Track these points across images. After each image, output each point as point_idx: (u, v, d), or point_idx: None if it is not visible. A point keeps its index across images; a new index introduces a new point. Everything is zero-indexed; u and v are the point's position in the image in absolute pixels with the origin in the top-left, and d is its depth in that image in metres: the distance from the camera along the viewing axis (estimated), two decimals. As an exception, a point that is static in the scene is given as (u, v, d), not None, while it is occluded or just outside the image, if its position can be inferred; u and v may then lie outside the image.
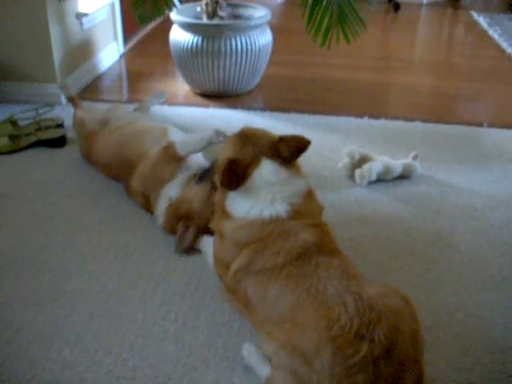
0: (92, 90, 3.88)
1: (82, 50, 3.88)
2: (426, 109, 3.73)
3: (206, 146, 2.33)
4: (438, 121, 3.47)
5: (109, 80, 4.14)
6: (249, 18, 3.73)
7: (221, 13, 3.66)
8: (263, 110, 3.59)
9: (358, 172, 2.70)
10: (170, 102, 3.63)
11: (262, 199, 1.76)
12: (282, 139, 1.83)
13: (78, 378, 1.65)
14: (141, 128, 2.65)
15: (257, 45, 3.59)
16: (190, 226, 2.19)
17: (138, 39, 5.16)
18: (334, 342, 1.38)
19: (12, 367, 1.68)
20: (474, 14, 6.37)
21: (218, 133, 2.29)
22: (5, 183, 2.67)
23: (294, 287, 1.58)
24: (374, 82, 4.23)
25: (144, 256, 2.19)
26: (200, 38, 3.50)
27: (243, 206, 1.78)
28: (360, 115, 3.51)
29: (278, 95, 3.89)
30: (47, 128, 3.04)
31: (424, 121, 3.46)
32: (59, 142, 3.01)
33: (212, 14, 3.65)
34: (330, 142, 3.14)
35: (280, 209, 1.75)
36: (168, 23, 3.83)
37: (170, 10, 3.50)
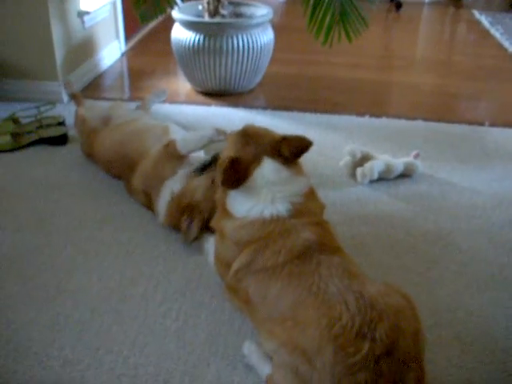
0: (93, 88, 3.88)
1: (84, 49, 3.88)
2: (428, 107, 3.73)
3: (207, 145, 2.34)
4: (439, 120, 3.47)
5: (110, 78, 4.15)
6: (250, 17, 3.73)
7: (222, 11, 3.66)
8: (265, 108, 3.59)
9: (359, 170, 2.70)
10: (172, 101, 3.63)
11: (262, 199, 1.76)
12: (284, 139, 1.83)
13: (79, 375, 1.65)
14: (142, 126, 2.65)
15: (258, 43, 3.59)
16: (194, 218, 2.19)
17: (139, 37, 5.17)
18: (336, 341, 1.38)
19: (14, 365, 1.68)
20: (476, 13, 6.37)
21: (218, 131, 2.30)
22: (6, 181, 2.67)
23: (295, 286, 1.58)
24: (375, 81, 4.23)
25: (145, 254, 2.19)
26: (202, 37, 3.50)
27: (244, 206, 1.78)
28: (362, 114, 3.51)
29: (280, 94, 3.89)
30: (49, 126, 3.05)
31: (426, 120, 3.46)
32: (61, 140, 3.01)
33: (214, 13, 3.65)
34: (332, 140, 3.14)
35: (281, 208, 1.75)
36: (170, 21, 3.83)
37: (172, 8, 3.51)
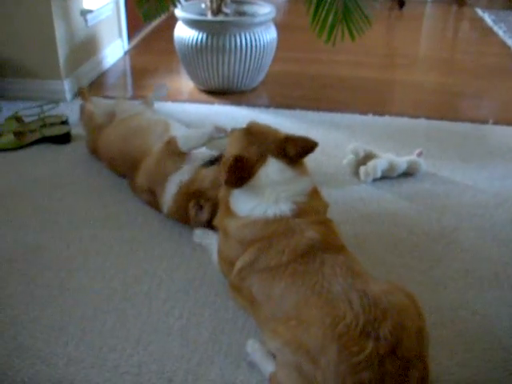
0: (96, 86, 3.89)
1: (87, 47, 3.88)
2: (431, 106, 3.73)
3: (207, 142, 2.35)
4: (442, 118, 3.47)
5: (113, 77, 4.15)
6: (253, 15, 3.73)
7: (225, 9, 3.66)
8: (268, 106, 3.59)
9: (362, 169, 2.70)
10: (175, 99, 3.63)
11: (266, 198, 1.76)
12: (289, 138, 1.82)
13: (82, 373, 1.66)
14: (144, 123, 2.65)
15: (261, 42, 3.59)
16: (203, 203, 2.19)
17: (142, 36, 5.17)
18: (340, 340, 1.38)
19: (17, 363, 1.69)
20: (479, 11, 6.36)
21: (218, 129, 2.30)
22: (10, 179, 2.68)
23: (299, 285, 1.58)
24: (378, 79, 4.23)
25: (149, 252, 2.19)
26: (204, 35, 3.50)
27: (247, 205, 1.78)
28: (364, 112, 3.51)
29: (283, 92, 3.89)
30: (52, 125, 3.05)
31: (428, 118, 3.45)
32: (64, 139, 3.02)
33: (217, 11, 3.65)
34: (335, 138, 3.14)
35: (284, 208, 1.75)
36: (172, 20, 3.83)
37: (175, 6, 3.51)
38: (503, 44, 5.18)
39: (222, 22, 3.51)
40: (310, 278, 1.58)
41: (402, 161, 2.73)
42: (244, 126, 1.93)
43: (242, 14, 3.85)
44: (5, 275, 2.05)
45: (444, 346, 1.77)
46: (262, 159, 1.79)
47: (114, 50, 4.41)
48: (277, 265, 1.65)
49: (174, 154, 2.34)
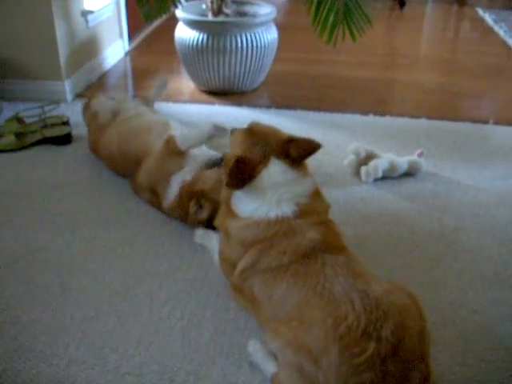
0: (97, 87, 3.89)
1: (88, 48, 3.88)
2: (432, 106, 3.73)
3: (206, 141, 2.35)
4: (443, 118, 3.47)
5: (114, 77, 4.15)
6: (254, 16, 3.73)
7: (226, 10, 3.66)
8: (269, 107, 3.59)
9: (363, 169, 2.70)
10: (176, 100, 3.64)
11: (268, 200, 1.75)
12: (293, 140, 1.81)
13: (84, 374, 1.66)
14: (145, 123, 2.65)
15: (262, 42, 3.59)
16: (204, 204, 2.19)
17: (143, 37, 5.17)
18: (341, 341, 1.38)
19: (19, 363, 1.69)
20: (480, 11, 6.36)
21: (217, 127, 2.30)
22: (10, 180, 2.68)
23: (300, 286, 1.58)
24: (379, 79, 4.23)
25: (150, 253, 2.19)
26: (205, 36, 3.50)
27: (249, 206, 1.77)
28: (365, 112, 3.51)
29: (284, 92, 3.89)
30: (53, 125, 3.05)
31: (429, 118, 3.46)
32: (65, 140, 3.02)
33: (217, 12, 3.65)
34: (336, 139, 3.14)
35: (286, 209, 1.74)
36: (173, 21, 3.83)
37: (176, 7, 3.51)
38: (504, 44, 5.18)
39: (222, 23, 3.51)
40: (312, 278, 1.57)
41: (403, 161, 2.73)
42: (245, 126, 1.93)
43: (242, 14, 3.85)
44: (5, 276, 2.05)
45: (445, 345, 1.77)
46: (264, 160, 1.78)
47: (115, 50, 4.41)
48: (278, 265, 1.65)
49: (174, 153, 2.34)
